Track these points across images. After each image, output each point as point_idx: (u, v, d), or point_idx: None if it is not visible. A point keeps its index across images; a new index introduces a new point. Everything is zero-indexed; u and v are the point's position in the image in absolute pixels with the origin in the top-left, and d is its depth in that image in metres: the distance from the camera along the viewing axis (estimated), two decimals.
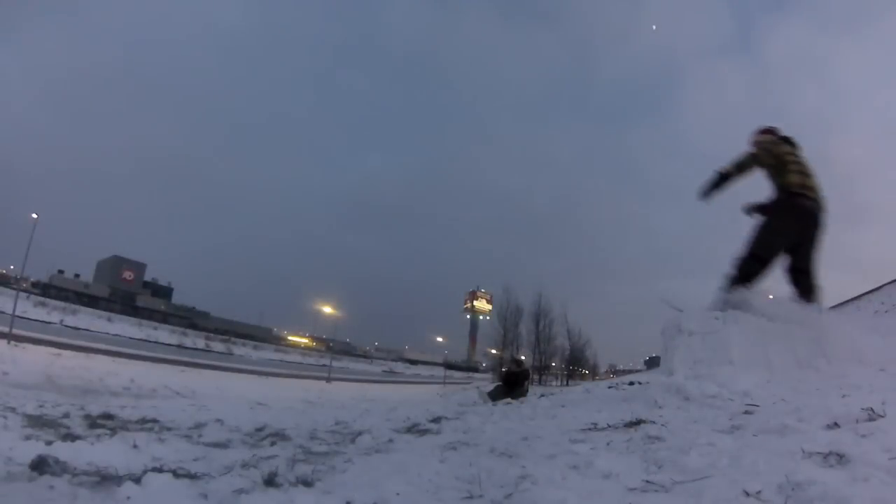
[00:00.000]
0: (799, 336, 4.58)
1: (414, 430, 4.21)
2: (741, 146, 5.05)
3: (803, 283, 4.11)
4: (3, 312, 15.79)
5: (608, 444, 2.77)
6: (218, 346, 37.02)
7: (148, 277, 63.36)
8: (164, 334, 35.23)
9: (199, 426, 4.13)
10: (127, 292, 58.82)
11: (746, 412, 3.31)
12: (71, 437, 3.13)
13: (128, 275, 60.63)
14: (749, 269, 4.12)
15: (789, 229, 4.07)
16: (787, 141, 4.53)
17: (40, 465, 2.09)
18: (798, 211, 4.06)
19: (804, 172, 4.22)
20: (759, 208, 4.31)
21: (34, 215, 19.63)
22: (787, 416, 2.76)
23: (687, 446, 2.35)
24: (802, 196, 4.11)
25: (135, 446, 2.90)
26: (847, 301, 14.03)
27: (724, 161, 4.67)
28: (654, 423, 3.25)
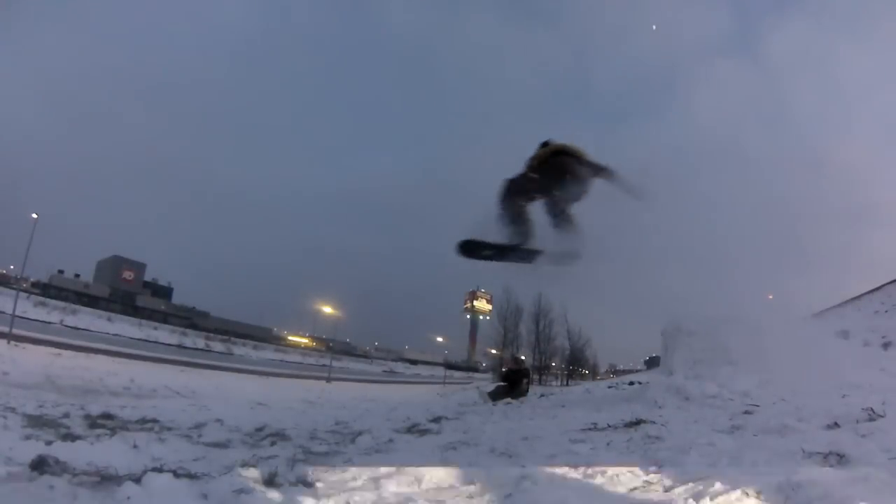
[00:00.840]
0: (799, 336, 4.60)
1: (414, 430, 4.21)
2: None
3: (562, 218, 5.10)
4: (3, 312, 15.76)
5: (608, 444, 2.77)
6: (218, 346, 36.87)
7: (148, 277, 63.07)
8: (164, 334, 35.09)
9: (199, 426, 4.13)
10: (127, 292, 58.64)
11: (746, 412, 3.31)
12: (71, 437, 3.13)
13: (128, 275, 60.40)
14: (514, 216, 5.10)
15: (549, 180, 5.00)
16: (544, 144, 5.38)
17: (40, 465, 2.09)
18: (556, 166, 4.97)
19: (563, 145, 5.14)
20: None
21: (34, 215, 19.61)
22: (787, 416, 2.76)
23: (687, 446, 2.36)
24: (562, 153, 5.03)
25: (135, 446, 2.90)
26: (847, 301, 14.03)
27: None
28: (654, 423, 3.26)
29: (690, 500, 1.66)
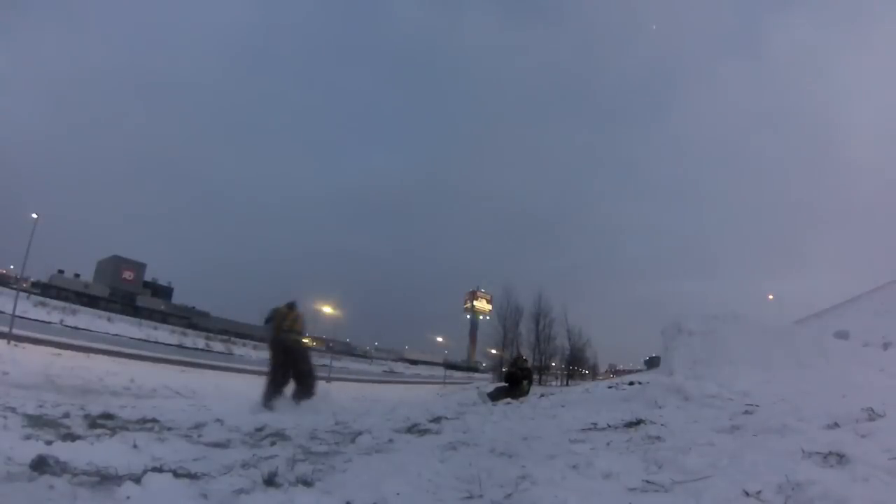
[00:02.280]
0: (799, 336, 4.60)
1: (414, 430, 4.21)
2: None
3: (303, 382, 7.10)
4: (3, 312, 15.76)
5: (608, 444, 2.77)
6: (218, 346, 36.80)
7: (148, 277, 63.09)
8: (164, 334, 35.02)
9: (199, 426, 4.13)
10: (127, 292, 58.66)
11: (746, 412, 3.31)
12: (71, 437, 3.13)
13: (128, 275, 60.39)
14: (277, 383, 7.03)
15: (280, 354, 7.22)
16: (291, 306, 7.45)
17: (40, 465, 2.09)
18: (281, 344, 7.25)
19: (287, 321, 7.29)
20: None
21: (34, 215, 19.61)
22: (787, 416, 2.76)
23: (687, 446, 2.36)
24: (283, 333, 7.27)
25: (135, 446, 2.89)
26: (847, 301, 14.04)
27: None
28: (654, 423, 3.26)
29: (690, 500, 1.66)
